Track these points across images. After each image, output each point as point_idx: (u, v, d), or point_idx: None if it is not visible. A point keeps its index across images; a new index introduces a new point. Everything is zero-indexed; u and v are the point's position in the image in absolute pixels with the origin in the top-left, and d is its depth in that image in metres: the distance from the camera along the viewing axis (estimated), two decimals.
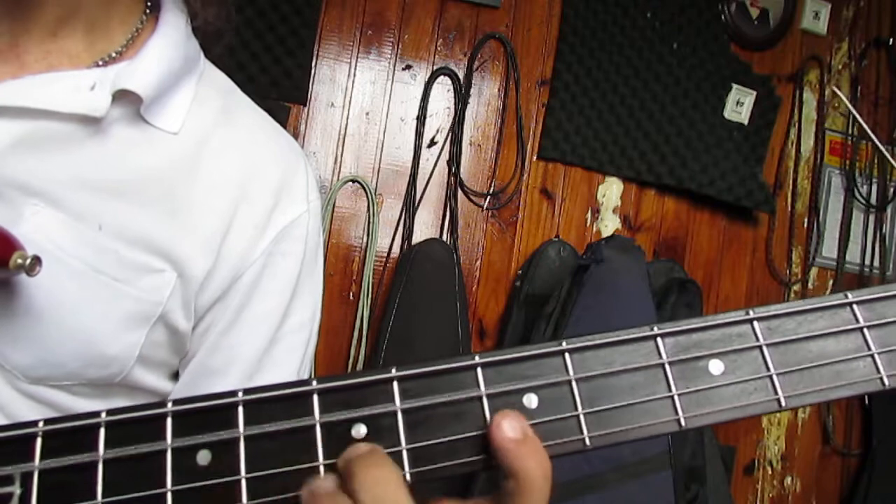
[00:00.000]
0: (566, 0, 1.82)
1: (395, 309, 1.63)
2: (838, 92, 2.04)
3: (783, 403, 0.34)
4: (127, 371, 0.55)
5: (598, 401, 0.34)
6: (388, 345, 1.61)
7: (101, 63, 0.53)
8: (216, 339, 0.60)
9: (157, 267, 0.54)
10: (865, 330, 0.35)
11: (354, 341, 1.69)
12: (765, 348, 0.35)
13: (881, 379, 0.35)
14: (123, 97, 0.52)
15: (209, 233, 0.57)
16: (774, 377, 0.34)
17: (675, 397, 0.34)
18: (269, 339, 0.62)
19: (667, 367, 0.34)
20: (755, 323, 0.35)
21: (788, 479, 2.02)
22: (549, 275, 1.75)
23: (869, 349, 0.35)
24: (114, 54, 0.54)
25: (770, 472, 2.01)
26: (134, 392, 0.58)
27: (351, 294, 1.71)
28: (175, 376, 0.64)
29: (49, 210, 0.50)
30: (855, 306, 0.35)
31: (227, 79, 0.64)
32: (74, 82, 0.50)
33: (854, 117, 2.07)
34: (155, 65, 0.54)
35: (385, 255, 1.73)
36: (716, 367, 0.35)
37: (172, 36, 0.56)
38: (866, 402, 2.06)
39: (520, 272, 1.79)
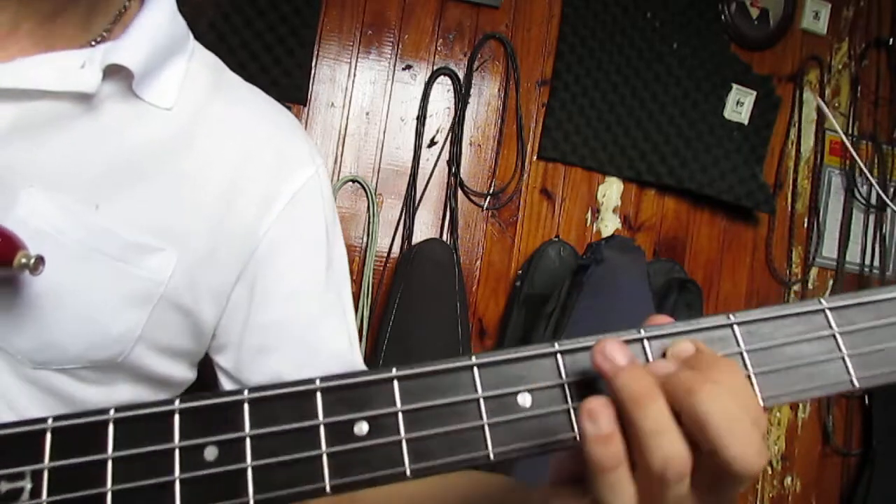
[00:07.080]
0: (566, 0, 1.82)
1: (395, 309, 1.62)
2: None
3: (762, 403, 0.36)
4: (128, 351, 0.54)
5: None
6: (388, 345, 1.61)
7: (92, 43, 0.53)
8: (256, 317, 0.60)
9: (156, 246, 0.54)
10: (837, 335, 0.37)
11: None
12: (745, 353, 0.36)
13: (851, 381, 0.37)
14: (115, 73, 0.52)
15: (207, 208, 0.56)
16: (753, 378, 0.36)
17: None
18: (316, 310, 0.62)
19: None
20: (735, 327, 0.37)
21: (788, 479, 2.02)
22: (549, 275, 1.75)
23: (840, 352, 0.37)
24: (104, 33, 0.54)
25: (770, 472, 2.01)
26: (139, 378, 0.57)
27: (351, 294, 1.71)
28: (202, 365, 0.63)
29: (44, 193, 0.49)
30: (828, 312, 0.38)
31: (216, 58, 0.64)
32: (65, 62, 0.50)
33: (854, 118, 2.07)
34: (144, 39, 0.54)
35: (385, 255, 1.73)
36: None
37: (159, 12, 0.57)
38: (866, 401, 2.06)
39: (520, 272, 1.79)
